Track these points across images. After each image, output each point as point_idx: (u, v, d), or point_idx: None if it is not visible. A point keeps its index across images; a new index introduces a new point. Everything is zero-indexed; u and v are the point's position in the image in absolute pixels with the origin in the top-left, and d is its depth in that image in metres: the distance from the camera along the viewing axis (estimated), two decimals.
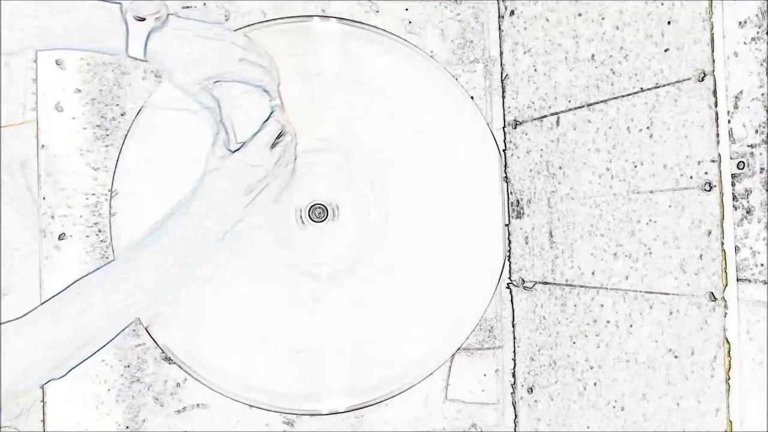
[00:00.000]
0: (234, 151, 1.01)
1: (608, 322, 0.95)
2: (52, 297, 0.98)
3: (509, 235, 1.15)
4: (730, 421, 0.79)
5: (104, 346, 1.00)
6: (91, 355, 0.99)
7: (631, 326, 0.92)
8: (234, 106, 1.03)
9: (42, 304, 0.98)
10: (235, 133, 1.03)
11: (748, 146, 0.78)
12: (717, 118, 0.80)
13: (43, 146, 1.05)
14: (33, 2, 0.95)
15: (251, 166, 1.00)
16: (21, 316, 0.95)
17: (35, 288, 1.05)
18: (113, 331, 0.99)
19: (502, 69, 1.16)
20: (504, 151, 1.16)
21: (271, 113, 1.03)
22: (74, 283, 0.99)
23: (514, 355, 1.15)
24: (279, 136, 1.03)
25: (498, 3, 1.16)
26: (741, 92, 0.78)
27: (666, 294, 0.87)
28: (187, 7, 1.09)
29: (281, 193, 1.07)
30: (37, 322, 0.95)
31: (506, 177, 1.16)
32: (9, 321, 0.95)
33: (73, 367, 0.98)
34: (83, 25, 0.96)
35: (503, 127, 1.16)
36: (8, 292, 1.03)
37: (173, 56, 0.99)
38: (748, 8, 0.77)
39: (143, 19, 0.97)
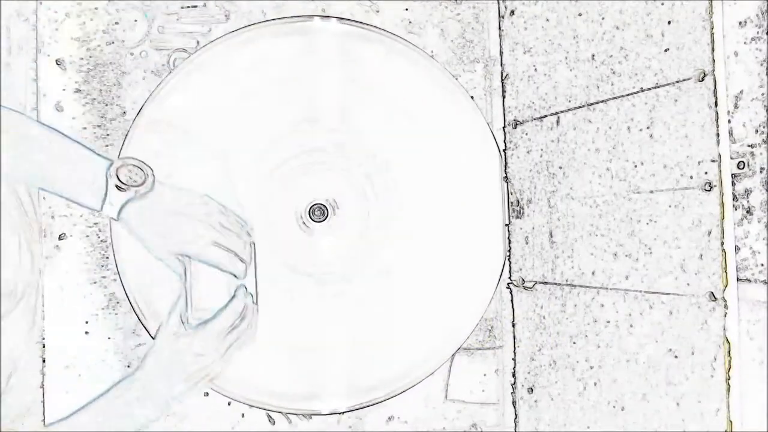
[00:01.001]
0: (188, 329, 0.99)
1: (608, 322, 0.95)
2: None
3: (509, 235, 1.15)
4: (730, 421, 0.79)
5: None
6: None
7: (631, 326, 0.92)
8: (198, 279, 1.00)
9: None
10: (192, 306, 1.00)
11: (748, 146, 0.78)
12: (717, 118, 0.80)
13: None
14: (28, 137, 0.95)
15: (197, 355, 0.99)
16: None
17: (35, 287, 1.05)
18: None
19: (502, 69, 1.16)
20: (504, 151, 1.16)
21: (233, 297, 1.01)
22: None
23: (514, 355, 1.15)
24: (237, 321, 1.01)
25: (498, 3, 1.16)
26: (741, 92, 0.78)
27: (666, 294, 0.87)
28: (188, 7, 1.09)
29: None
30: None
31: (506, 177, 1.16)
32: None
33: None
34: (64, 174, 0.97)
35: (503, 127, 1.16)
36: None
37: (144, 228, 0.99)
38: (748, 8, 0.77)
39: (124, 190, 0.97)
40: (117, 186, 0.97)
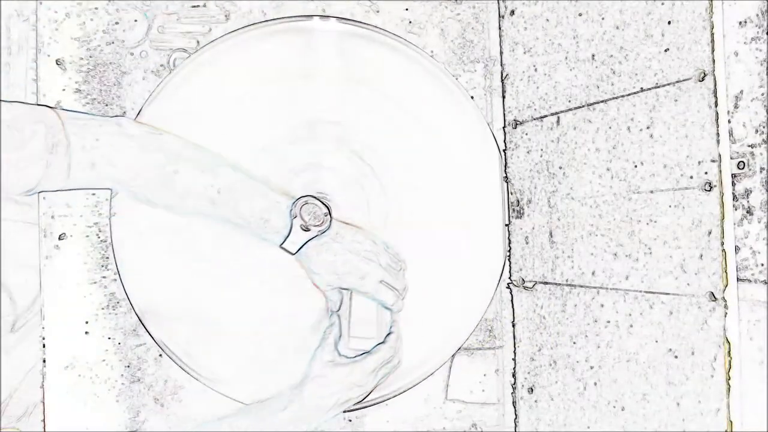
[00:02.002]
0: (342, 356, 1.04)
1: (608, 322, 0.95)
2: None
3: (509, 235, 1.15)
4: (730, 421, 0.79)
5: None
6: None
7: (631, 326, 0.92)
8: (359, 312, 1.06)
9: None
10: (349, 337, 1.06)
11: (748, 146, 0.78)
12: (717, 118, 0.80)
13: None
14: (206, 177, 0.99)
15: (356, 386, 1.03)
16: None
17: (35, 288, 1.05)
18: None
19: (502, 69, 1.16)
20: (504, 151, 1.16)
21: (387, 335, 1.06)
22: None
23: (515, 355, 1.15)
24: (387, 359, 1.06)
25: (498, 3, 1.16)
26: (741, 92, 0.78)
27: (666, 294, 0.87)
28: (196, 6, 1.09)
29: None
30: None
31: (506, 177, 1.16)
32: None
33: None
34: (249, 212, 1.00)
35: (503, 127, 1.16)
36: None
37: (319, 264, 1.03)
38: (748, 8, 0.77)
39: (308, 230, 1.01)
40: (302, 227, 1.01)
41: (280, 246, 1.02)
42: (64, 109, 0.98)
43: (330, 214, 1.03)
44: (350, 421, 1.12)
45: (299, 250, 1.02)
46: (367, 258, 1.04)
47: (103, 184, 0.97)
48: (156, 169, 0.97)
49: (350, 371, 1.03)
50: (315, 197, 1.03)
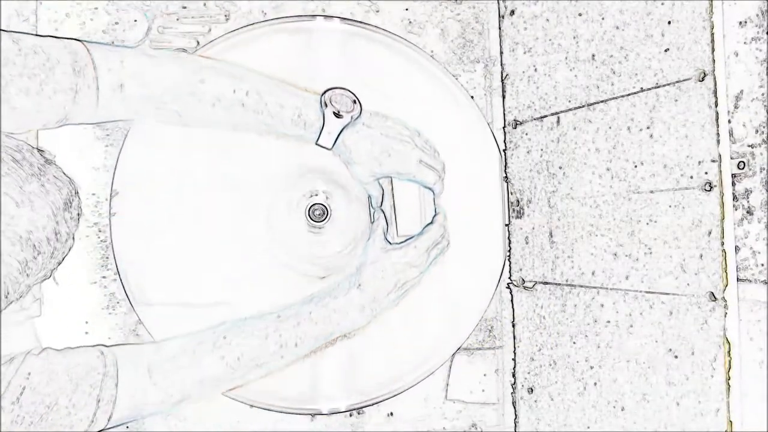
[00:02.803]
0: (394, 245, 1.05)
1: (608, 322, 0.95)
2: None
3: (509, 235, 1.15)
4: (730, 421, 0.79)
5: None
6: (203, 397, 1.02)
7: (631, 326, 0.92)
8: (402, 200, 1.08)
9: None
10: (397, 226, 1.08)
11: (749, 146, 0.78)
12: (717, 118, 0.80)
13: (43, 146, 1.05)
14: (237, 83, 0.99)
15: (411, 266, 1.05)
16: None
17: (35, 288, 1.05)
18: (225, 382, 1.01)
19: (502, 69, 1.16)
20: (504, 151, 1.16)
21: (435, 215, 1.08)
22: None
23: (514, 355, 1.15)
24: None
25: (498, 3, 1.16)
26: (741, 92, 0.78)
27: (666, 294, 0.87)
28: (185, 7, 1.09)
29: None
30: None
31: (506, 177, 1.16)
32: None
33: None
34: (278, 111, 1.01)
35: (503, 127, 1.16)
36: None
37: (358, 152, 1.03)
38: (748, 8, 0.77)
39: (341, 117, 1.01)
40: (335, 113, 1.01)
41: (317, 143, 1.02)
42: (87, 41, 0.97)
43: (358, 100, 1.03)
44: (350, 426, 1.13)
45: (335, 142, 1.02)
46: (403, 140, 1.05)
47: (133, 109, 0.96)
48: (183, 79, 0.97)
49: (404, 253, 1.04)
50: (341, 88, 1.03)
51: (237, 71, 1.01)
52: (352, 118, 1.02)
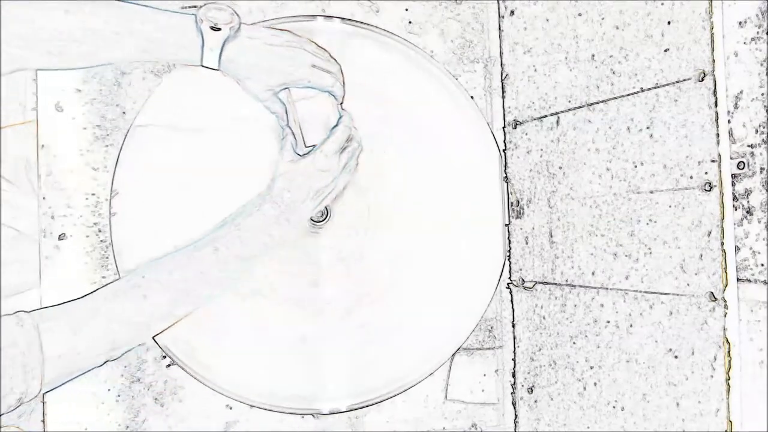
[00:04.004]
0: (303, 155, 1.03)
1: (608, 322, 0.95)
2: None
3: (509, 235, 1.15)
4: (730, 421, 0.79)
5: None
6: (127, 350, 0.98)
7: (631, 326, 0.92)
8: (305, 110, 1.06)
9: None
10: (303, 137, 1.06)
11: (748, 146, 0.78)
12: (717, 118, 0.80)
13: (43, 146, 1.05)
14: (108, 11, 0.95)
15: (320, 171, 1.03)
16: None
17: (35, 288, 1.05)
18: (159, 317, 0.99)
19: (502, 69, 1.16)
20: (504, 151, 1.16)
21: (339, 118, 1.06)
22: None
23: (514, 355, 1.15)
24: (346, 142, 1.05)
25: (498, 3, 1.16)
26: (741, 92, 0.78)
27: (666, 294, 0.87)
28: (188, 7, 1.09)
29: (340, 197, 1.09)
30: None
31: (506, 177, 1.16)
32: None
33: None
34: (157, 36, 0.97)
35: (503, 127, 1.16)
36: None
37: (247, 64, 1.01)
38: (748, 8, 0.77)
39: (219, 29, 0.98)
40: (212, 27, 0.98)
41: (201, 64, 0.99)
42: None
43: (237, 13, 1.00)
44: (350, 426, 1.13)
45: (220, 59, 0.99)
46: (291, 46, 1.02)
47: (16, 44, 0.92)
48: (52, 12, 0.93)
49: (312, 159, 1.02)
50: (218, 2, 1.00)
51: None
52: (231, 29, 0.98)
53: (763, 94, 0.76)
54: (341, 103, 1.07)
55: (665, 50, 0.86)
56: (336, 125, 1.05)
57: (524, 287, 1.13)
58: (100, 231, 1.06)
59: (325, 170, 1.03)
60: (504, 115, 1.16)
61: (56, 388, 0.93)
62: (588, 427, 0.99)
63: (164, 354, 1.08)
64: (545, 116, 1.07)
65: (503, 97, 1.16)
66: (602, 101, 0.96)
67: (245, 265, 1.02)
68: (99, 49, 0.96)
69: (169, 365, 1.07)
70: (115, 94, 1.07)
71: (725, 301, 0.79)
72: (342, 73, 1.07)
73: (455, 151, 1.15)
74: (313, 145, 1.05)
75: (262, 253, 1.02)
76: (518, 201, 1.13)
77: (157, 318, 0.98)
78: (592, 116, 0.98)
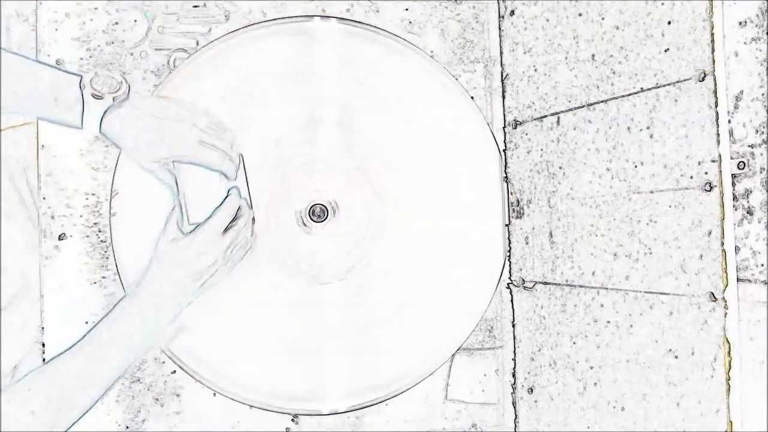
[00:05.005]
0: (186, 234, 0.99)
1: (608, 322, 0.95)
2: None
3: (509, 235, 1.15)
4: (731, 421, 0.79)
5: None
6: None
7: (631, 326, 0.92)
8: (190, 185, 0.99)
9: None
10: (188, 214, 1.00)
11: (749, 146, 0.78)
12: (717, 118, 0.80)
13: (43, 146, 1.05)
14: None
15: (199, 253, 0.98)
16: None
17: (35, 288, 1.05)
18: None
19: (502, 69, 1.16)
20: (504, 151, 1.16)
21: (227, 196, 1.01)
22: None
23: (514, 355, 1.15)
24: (234, 219, 1.01)
25: (498, 3, 1.16)
26: (741, 92, 0.78)
27: (666, 294, 0.87)
28: (196, 6, 1.09)
29: (233, 270, 1.04)
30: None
31: (506, 177, 1.16)
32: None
33: None
34: (38, 93, 0.94)
35: (503, 127, 1.16)
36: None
37: (128, 136, 0.97)
38: (748, 8, 0.77)
39: (101, 98, 0.95)
40: (93, 95, 0.95)
41: (82, 127, 0.96)
42: None
43: (126, 83, 0.97)
44: (350, 426, 1.13)
45: (101, 125, 0.95)
46: (178, 120, 0.98)
47: None
48: None
49: (191, 240, 0.97)
50: (108, 69, 0.98)
51: None
52: (114, 99, 0.95)
53: (763, 94, 0.76)
54: (230, 180, 1.01)
55: (665, 50, 0.86)
56: (221, 203, 1.00)
57: (524, 287, 1.13)
58: (100, 231, 1.06)
59: (205, 253, 0.98)
60: (504, 115, 1.16)
61: None
62: (588, 427, 0.99)
63: (166, 357, 1.08)
64: (545, 116, 1.07)
65: (503, 97, 1.16)
66: (602, 101, 0.96)
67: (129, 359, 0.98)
68: None
69: (174, 371, 1.07)
70: None
71: (725, 301, 0.79)
72: (237, 146, 1.02)
73: (455, 151, 1.15)
74: (200, 223, 0.99)
75: (141, 347, 0.98)
76: (518, 201, 1.13)
77: (38, 426, 0.93)
78: (592, 116, 0.98)
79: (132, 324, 0.97)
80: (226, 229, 1.00)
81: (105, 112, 0.95)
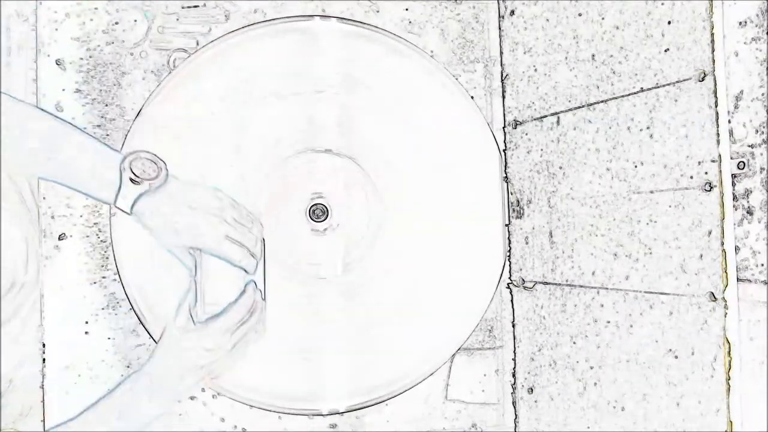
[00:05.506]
0: (195, 324, 0.99)
1: (608, 322, 0.95)
2: None
3: (509, 235, 1.15)
4: (731, 421, 0.79)
5: None
6: None
7: (631, 326, 0.92)
8: (208, 274, 1.00)
9: None
10: (204, 303, 1.00)
11: (749, 146, 0.78)
12: (717, 118, 0.80)
13: None
14: (43, 125, 0.95)
15: (207, 350, 0.99)
16: None
17: (35, 288, 1.05)
18: None
19: (502, 69, 1.16)
20: (504, 151, 1.16)
21: (243, 291, 1.02)
22: None
23: (514, 355, 1.15)
24: (245, 316, 1.02)
25: (498, 3, 1.16)
26: (741, 92, 0.78)
27: (666, 294, 0.87)
28: (188, 7, 1.09)
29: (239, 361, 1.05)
30: None
31: (506, 177, 1.16)
32: None
33: None
34: (77, 165, 0.96)
35: (503, 127, 1.16)
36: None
37: (157, 222, 0.99)
38: (748, 8, 0.77)
39: (138, 183, 0.97)
40: (131, 179, 0.97)
41: (115, 205, 0.98)
42: None
43: (165, 170, 0.99)
44: (350, 426, 1.12)
45: (133, 207, 0.97)
46: (208, 212, 1.00)
47: None
48: None
49: (199, 335, 0.98)
50: (150, 153, 0.99)
51: (33, 113, 0.97)
52: (150, 186, 0.98)
53: (763, 94, 0.76)
54: (252, 277, 1.03)
55: (665, 50, 0.86)
56: (236, 300, 1.01)
57: (524, 287, 1.13)
58: (100, 231, 1.06)
59: (212, 350, 0.99)
60: (504, 115, 1.16)
61: None
62: (588, 427, 0.99)
63: None
64: (545, 116, 1.07)
65: (503, 97, 1.16)
66: (602, 101, 0.96)
67: None
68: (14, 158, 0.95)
69: None
70: (115, 94, 1.07)
71: (725, 301, 0.79)
72: (259, 246, 1.04)
73: (455, 151, 1.15)
74: (213, 315, 1.00)
75: (143, 420, 0.99)
76: (518, 201, 1.13)
77: None
78: (592, 116, 0.98)
79: (133, 400, 0.99)
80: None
81: (140, 195, 0.98)
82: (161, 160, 1.00)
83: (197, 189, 1.02)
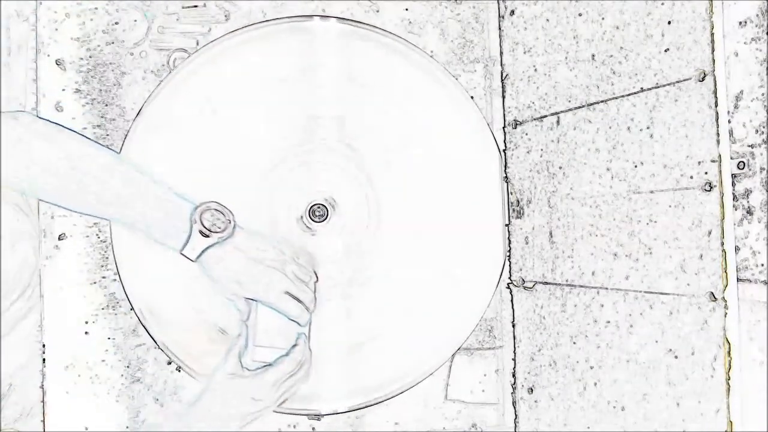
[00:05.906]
0: (243, 372, 1.01)
1: (608, 322, 0.95)
2: None
3: (509, 235, 1.15)
4: (731, 421, 0.79)
5: None
6: None
7: (631, 326, 0.92)
8: (261, 323, 1.02)
9: None
10: (254, 349, 1.02)
11: (749, 146, 0.78)
12: (717, 118, 0.80)
13: None
14: (123, 173, 0.99)
15: (254, 399, 1.01)
16: None
17: (35, 288, 1.05)
18: None
19: (502, 69, 1.16)
20: (504, 151, 1.16)
21: (295, 344, 1.03)
22: None
23: (515, 355, 1.15)
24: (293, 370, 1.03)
25: (498, 3, 1.16)
26: (741, 92, 0.78)
27: (666, 294, 0.87)
28: (188, 7, 1.09)
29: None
30: None
31: (506, 177, 1.16)
32: None
33: None
34: (148, 212, 0.99)
35: (503, 127, 1.16)
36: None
37: (221, 272, 1.01)
38: (748, 8, 0.77)
39: (208, 236, 0.99)
40: (201, 232, 0.99)
41: (180, 252, 1.00)
42: None
43: (233, 222, 1.01)
44: (350, 426, 1.12)
45: (199, 257, 1.00)
46: (271, 267, 1.02)
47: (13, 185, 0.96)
48: (56, 163, 0.96)
49: (248, 384, 1.01)
50: (219, 204, 1.01)
51: (112, 161, 1.00)
52: (219, 239, 1.00)
53: (763, 94, 0.76)
54: (301, 333, 1.04)
55: (665, 50, 0.86)
56: (287, 353, 1.03)
57: (524, 287, 1.13)
58: (100, 231, 1.06)
59: (260, 400, 1.01)
60: (504, 115, 1.16)
61: None
62: (588, 427, 0.99)
63: (169, 360, 1.08)
64: (545, 116, 1.07)
65: (503, 97, 1.16)
66: (602, 101, 0.96)
67: None
68: (87, 200, 0.98)
69: (178, 368, 1.07)
70: (115, 94, 1.07)
71: (725, 301, 0.79)
72: (314, 302, 1.05)
73: (455, 151, 1.15)
74: (263, 363, 1.02)
75: None
76: (518, 201, 1.13)
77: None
78: (592, 116, 0.98)
79: None
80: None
81: (208, 247, 0.99)
82: (229, 211, 1.02)
83: (262, 242, 1.04)
